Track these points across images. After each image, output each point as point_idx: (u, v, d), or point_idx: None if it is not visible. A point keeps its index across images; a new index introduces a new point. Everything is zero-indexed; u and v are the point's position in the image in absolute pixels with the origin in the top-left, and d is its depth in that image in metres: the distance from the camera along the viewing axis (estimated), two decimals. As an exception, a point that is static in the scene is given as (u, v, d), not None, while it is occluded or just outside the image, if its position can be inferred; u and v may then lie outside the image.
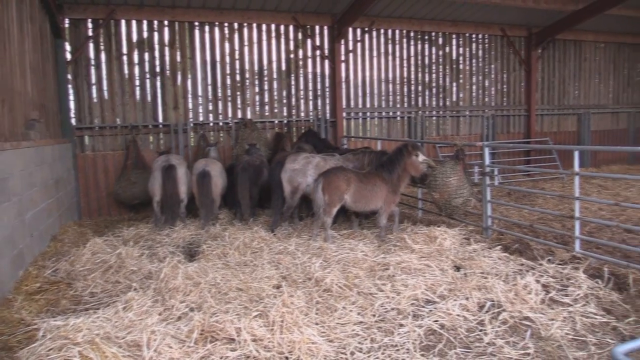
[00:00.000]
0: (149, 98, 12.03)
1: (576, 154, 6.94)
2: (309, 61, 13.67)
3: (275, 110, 13.39)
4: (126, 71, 11.79)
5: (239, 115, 12.90)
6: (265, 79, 13.22)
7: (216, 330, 4.52)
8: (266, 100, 13.28)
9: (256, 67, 13.08)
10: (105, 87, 11.61)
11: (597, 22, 15.93)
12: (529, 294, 5.41)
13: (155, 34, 11.96)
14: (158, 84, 12.10)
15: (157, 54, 12.02)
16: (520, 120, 16.84)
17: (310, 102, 13.79)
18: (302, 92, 13.68)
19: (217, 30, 12.56)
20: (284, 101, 13.48)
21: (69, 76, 11.14)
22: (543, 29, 16.17)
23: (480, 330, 4.80)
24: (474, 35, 15.90)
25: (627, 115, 19.11)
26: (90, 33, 11.31)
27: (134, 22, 11.73)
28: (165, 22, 12.00)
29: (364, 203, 7.91)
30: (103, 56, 11.55)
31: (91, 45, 11.43)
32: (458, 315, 5.05)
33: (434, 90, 15.47)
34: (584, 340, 4.60)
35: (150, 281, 6.16)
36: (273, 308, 4.86)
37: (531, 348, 4.44)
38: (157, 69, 12.06)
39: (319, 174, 8.15)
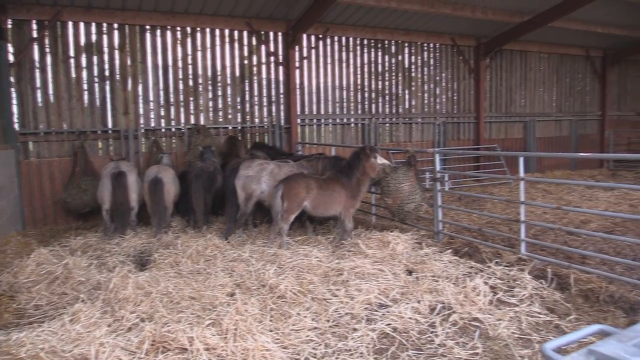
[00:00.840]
0: (97, 103, 11.69)
1: (521, 160, 7.24)
2: (263, 67, 13.66)
3: (229, 116, 13.29)
4: (73, 75, 11.41)
5: (192, 121, 12.73)
6: (219, 84, 13.10)
7: (168, 340, 4.44)
8: (220, 106, 13.16)
9: (209, 73, 12.95)
10: (51, 91, 11.21)
11: (541, 34, 16.70)
12: (477, 296, 5.60)
13: (105, 37, 11.65)
14: (107, 88, 11.78)
15: (106, 57, 11.71)
16: (470, 128, 17.40)
17: (265, 108, 13.77)
18: (256, 98, 13.64)
19: (169, 34, 12.37)
20: (238, 107, 13.40)
21: (12, 79, 10.68)
22: (491, 39, 16.80)
23: (432, 332, 4.92)
24: (425, 44, 16.33)
25: (569, 123, 20.08)
26: (35, 35, 10.89)
27: (81, 25, 11.38)
28: (115, 25, 11.71)
29: (324, 209, 7.97)
30: (49, 59, 11.14)
31: (36, 48, 11.00)
32: (410, 318, 5.16)
33: (387, 98, 15.76)
34: (529, 339, 4.80)
35: (99, 292, 5.98)
36: (226, 316, 4.83)
37: (480, 348, 4.60)
38: (107, 73, 11.74)
39: (279, 180, 8.16)
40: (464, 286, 5.83)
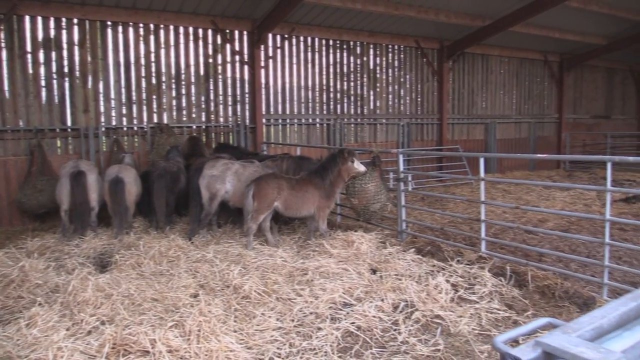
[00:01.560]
0: (56, 100, 11.33)
1: (482, 161, 7.43)
2: (228, 66, 13.54)
3: (193, 115, 13.12)
4: (30, 71, 11.03)
5: (155, 119, 12.50)
6: (183, 83, 12.91)
7: (129, 343, 4.37)
8: (184, 104, 12.97)
9: (173, 71, 12.74)
10: (6, 87, 10.78)
11: (502, 38, 17.14)
12: (439, 294, 5.72)
13: (64, 33, 11.31)
14: (66, 85, 11.43)
15: (65, 53, 11.36)
16: (433, 129, 17.70)
17: (230, 108, 13.66)
18: (221, 97, 13.51)
19: (131, 30, 12.11)
20: (203, 106, 13.24)
21: (-36, 75, 10.28)
22: (454, 42, 17.13)
23: (395, 330, 5.00)
24: (390, 46, 16.53)
25: (528, 125, 20.68)
26: (-12, 29, 10.51)
27: (39, 19, 11.01)
28: (75, 20, 11.38)
29: (295, 209, 7.99)
30: (4, 54, 10.71)
31: (-10, 42, 10.62)
32: (374, 316, 5.23)
33: (352, 98, 15.88)
34: (489, 335, 4.94)
35: (57, 295, 5.83)
36: (190, 317, 4.79)
37: (441, 344, 4.70)
38: (66, 70, 11.40)
39: (250, 180, 8.13)
40: (426, 284, 5.96)
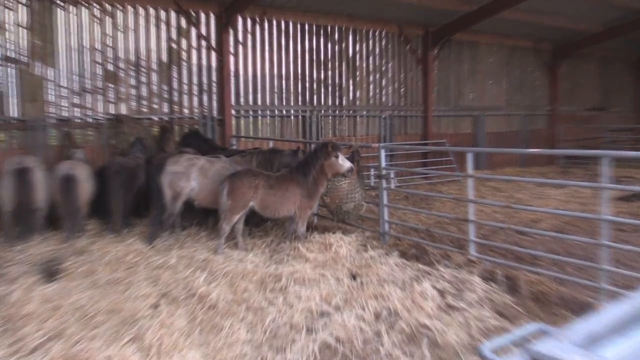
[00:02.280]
0: (-1, 88, 11.08)
1: (469, 156, 7.49)
2: (194, 52, 13.39)
3: (155, 106, 12.94)
4: (-31, 56, 10.77)
5: (112, 110, 12.29)
6: (143, 70, 12.73)
7: None
8: (144, 94, 12.79)
9: (132, 57, 12.55)
10: (-60, 74, 10.51)
11: (491, 25, 17.27)
12: (425, 301, 5.75)
13: (10, 14, 11.03)
14: (11, 72, 11.16)
15: (10, 36, 11.09)
16: (418, 122, 17.79)
17: (195, 98, 13.51)
18: (185, 87, 13.35)
19: (84, 11, 11.88)
20: (165, 96, 13.07)
21: None
22: (439, 28, 17.20)
23: (377, 341, 5.01)
24: (370, 32, 16.56)
25: (520, 118, 20.94)
26: None
27: (-22, -2, 10.76)
28: (22, 0, 11.12)
29: (274, 210, 7.94)
30: (-62, 37, 10.45)
31: None
32: (354, 326, 5.22)
33: (330, 88, 15.87)
34: (479, 345, 4.97)
35: (-3, 307, 5.69)
36: (149, 330, 4.73)
37: (428, 356, 4.72)
38: (11, 55, 11.13)
39: (225, 176, 8.05)
40: (411, 291, 5.98)
